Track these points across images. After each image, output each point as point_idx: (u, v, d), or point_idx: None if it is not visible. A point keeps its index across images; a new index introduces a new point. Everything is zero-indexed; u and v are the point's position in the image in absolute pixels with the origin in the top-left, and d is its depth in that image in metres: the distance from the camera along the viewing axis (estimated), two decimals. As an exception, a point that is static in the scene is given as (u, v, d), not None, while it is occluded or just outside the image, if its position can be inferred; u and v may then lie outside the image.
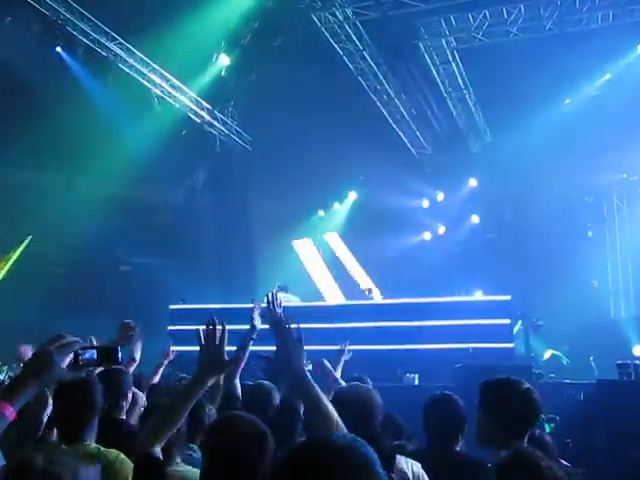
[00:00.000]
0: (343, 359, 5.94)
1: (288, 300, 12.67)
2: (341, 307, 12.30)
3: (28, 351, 6.34)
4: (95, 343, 2.08)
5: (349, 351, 6.06)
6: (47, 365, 2.04)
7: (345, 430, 2.63)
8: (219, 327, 2.86)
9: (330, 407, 2.69)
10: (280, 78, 13.81)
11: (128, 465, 3.28)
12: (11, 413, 1.97)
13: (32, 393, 2.06)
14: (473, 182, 18.27)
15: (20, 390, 2.03)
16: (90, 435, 3.46)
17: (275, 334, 2.84)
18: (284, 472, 1.53)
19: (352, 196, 19.47)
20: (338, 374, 5.67)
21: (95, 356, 2.08)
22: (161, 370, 6.50)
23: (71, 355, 2.11)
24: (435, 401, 4.21)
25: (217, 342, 2.83)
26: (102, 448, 3.40)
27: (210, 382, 2.86)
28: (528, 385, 3.41)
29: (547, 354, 14.24)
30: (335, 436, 1.59)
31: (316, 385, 2.75)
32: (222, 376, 4.46)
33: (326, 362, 5.30)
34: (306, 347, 2.88)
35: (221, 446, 2.64)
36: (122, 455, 3.37)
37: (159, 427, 2.75)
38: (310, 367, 4.98)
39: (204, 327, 2.88)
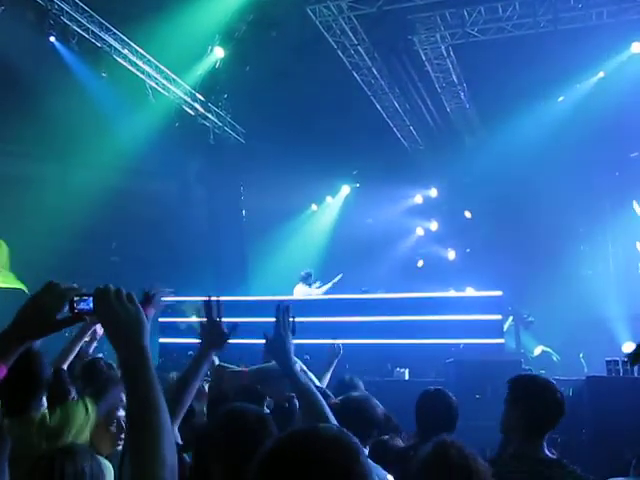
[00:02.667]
0: (335, 361, 5.97)
1: (308, 294, 12.57)
2: (332, 301, 12.27)
3: None
4: None
5: (340, 350, 6.08)
6: (41, 318, 1.90)
7: (334, 420, 2.73)
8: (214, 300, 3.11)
9: (319, 397, 2.84)
10: (274, 71, 13.80)
11: (73, 412, 3.33)
12: (1, 370, 1.85)
13: (24, 347, 1.91)
14: (466, 178, 18.29)
15: (12, 345, 1.89)
16: (37, 406, 3.39)
17: (276, 320, 2.97)
18: (270, 464, 1.53)
19: (345, 190, 19.48)
20: (327, 376, 5.75)
21: (91, 305, 1.88)
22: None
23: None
24: (428, 396, 4.24)
25: (215, 317, 3.06)
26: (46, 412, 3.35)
27: (214, 355, 3.07)
28: (556, 388, 3.54)
29: (537, 350, 14.31)
30: (320, 427, 1.60)
31: (302, 375, 2.95)
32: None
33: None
34: (298, 340, 2.99)
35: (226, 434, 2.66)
36: (64, 408, 3.38)
37: (172, 408, 2.68)
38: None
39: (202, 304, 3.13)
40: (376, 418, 3.95)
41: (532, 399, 3.44)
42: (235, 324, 3.19)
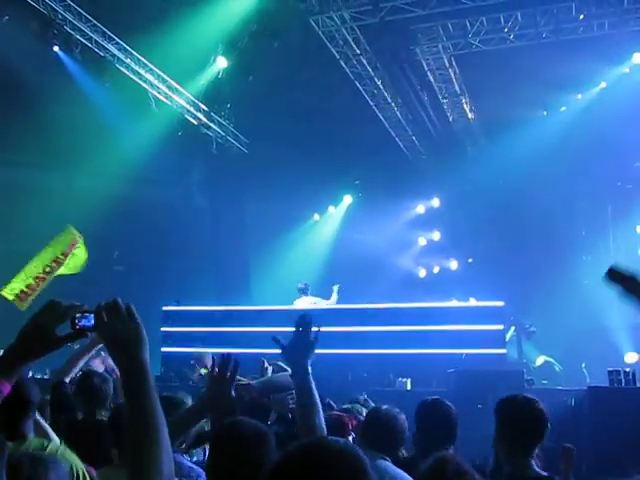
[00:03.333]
0: None
1: (311, 302, 12.53)
2: (334, 311, 12.27)
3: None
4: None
5: None
6: (42, 336, 1.95)
7: (324, 429, 2.80)
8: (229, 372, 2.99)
9: (319, 406, 2.88)
10: (277, 81, 13.83)
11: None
12: (5, 387, 1.90)
13: (26, 366, 1.99)
14: (468, 188, 18.29)
15: (15, 364, 1.95)
16: (30, 430, 3.42)
17: (296, 327, 2.99)
18: (278, 476, 1.55)
19: (347, 200, 19.48)
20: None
21: (93, 321, 1.94)
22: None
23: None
24: (426, 406, 4.24)
25: (226, 383, 2.96)
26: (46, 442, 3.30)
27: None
28: (535, 404, 3.57)
29: (540, 360, 14.27)
30: (326, 440, 1.61)
31: (313, 385, 2.94)
32: None
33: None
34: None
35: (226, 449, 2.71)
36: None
37: None
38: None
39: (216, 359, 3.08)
40: (404, 436, 3.97)
41: (509, 420, 3.52)
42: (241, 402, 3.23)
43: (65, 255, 10.26)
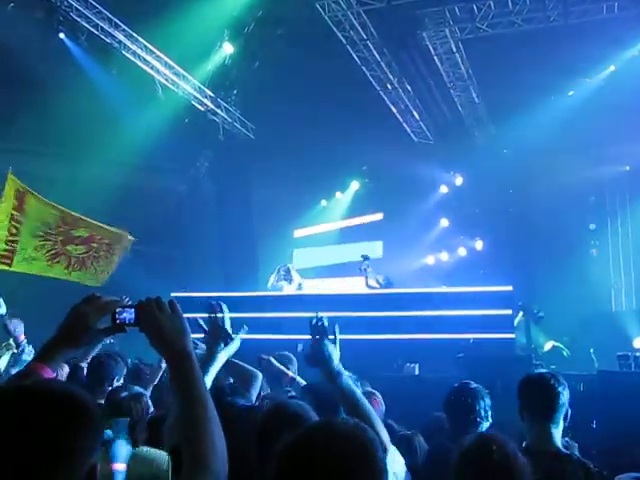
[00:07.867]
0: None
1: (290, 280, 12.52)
2: (341, 296, 12.28)
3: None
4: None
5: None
6: (82, 327, 2.05)
7: (380, 423, 2.78)
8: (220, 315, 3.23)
9: (365, 401, 2.90)
10: (283, 67, 13.77)
11: None
12: (49, 374, 1.99)
13: (67, 355, 2.12)
14: (476, 174, 18.19)
15: (56, 352, 2.04)
16: None
17: (311, 332, 3.04)
18: (289, 458, 1.54)
19: (354, 186, 19.44)
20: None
21: (133, 315, 2.01)
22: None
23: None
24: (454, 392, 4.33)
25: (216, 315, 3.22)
26: None
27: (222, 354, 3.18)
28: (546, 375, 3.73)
29: (548, 345, 14.26)
30: (336, 422, 1.60)
31: (347, 382, 2.94)
32: None
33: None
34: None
35: None
36: None
37: None
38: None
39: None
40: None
41: (522, 392, 3.69)
42: (244, 321, 3.42)
43: (17, 210, 10.18)
